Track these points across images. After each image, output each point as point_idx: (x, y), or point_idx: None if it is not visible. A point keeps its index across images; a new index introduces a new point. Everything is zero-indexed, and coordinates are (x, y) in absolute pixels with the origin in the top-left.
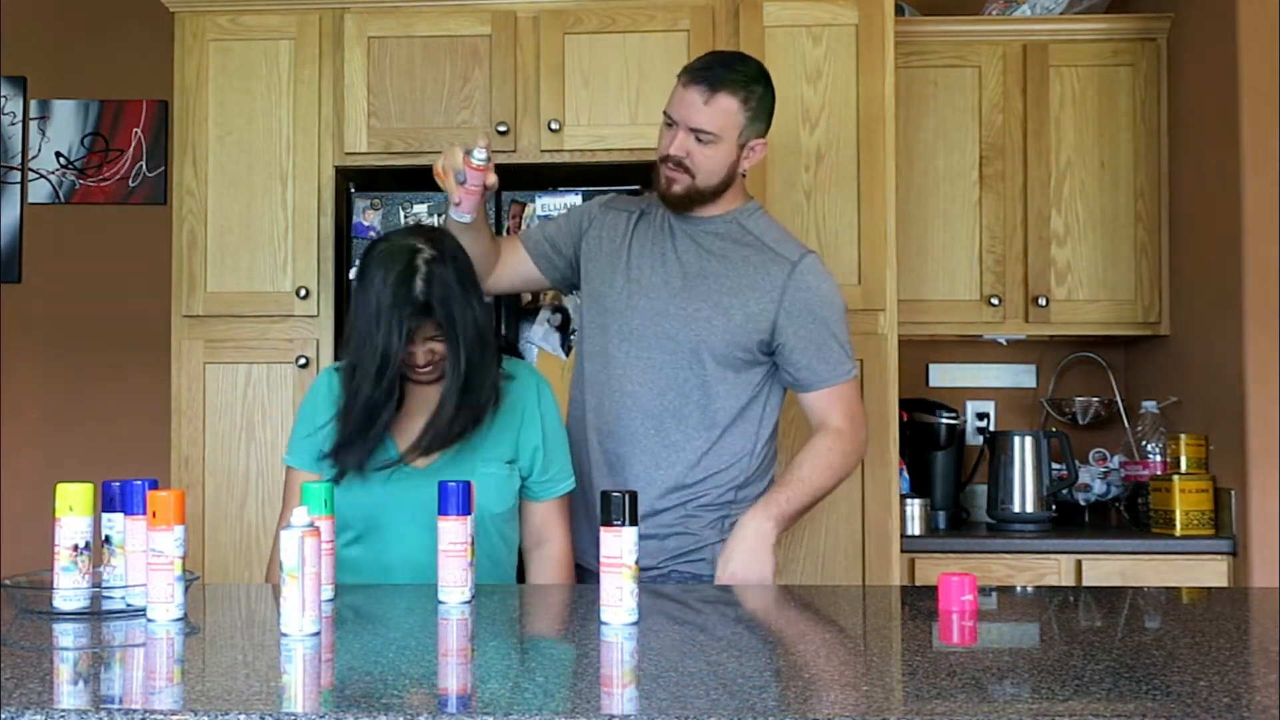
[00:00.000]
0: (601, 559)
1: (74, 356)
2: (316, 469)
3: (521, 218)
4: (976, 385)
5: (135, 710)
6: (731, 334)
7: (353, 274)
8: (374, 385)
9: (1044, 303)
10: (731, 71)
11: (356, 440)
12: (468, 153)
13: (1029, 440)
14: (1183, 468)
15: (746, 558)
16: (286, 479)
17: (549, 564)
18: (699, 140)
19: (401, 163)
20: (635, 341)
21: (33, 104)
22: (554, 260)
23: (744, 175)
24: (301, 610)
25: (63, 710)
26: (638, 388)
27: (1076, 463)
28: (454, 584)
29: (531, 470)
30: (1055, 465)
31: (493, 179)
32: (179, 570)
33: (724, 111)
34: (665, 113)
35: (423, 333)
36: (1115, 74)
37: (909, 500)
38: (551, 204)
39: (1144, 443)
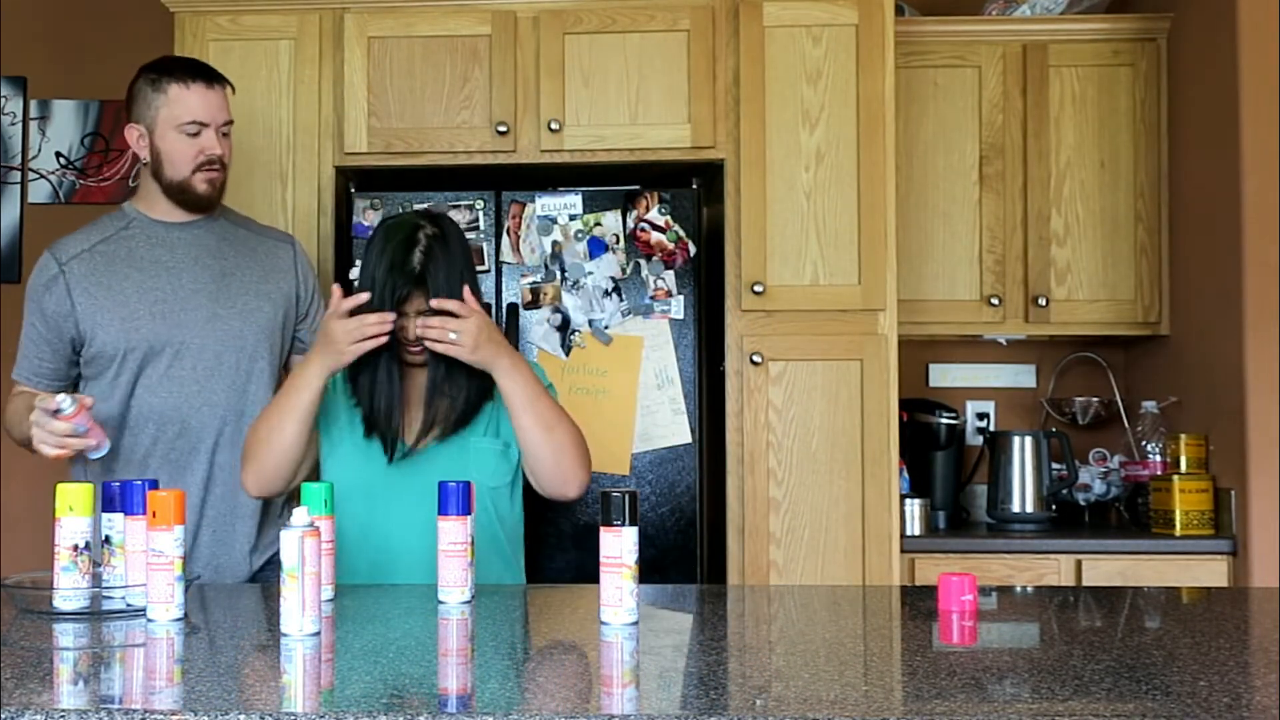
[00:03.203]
0: (602, 559)
1: None
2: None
3: (521, 218)
4: (976, 385)
5: (135, 710)
6: (280, 319)
7: (354, 273)
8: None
9: (1044, 303)
10: (207, 65)
11: (384, 426)
12: (56, 412)
13: (1029, 440)
14: (1183, 468)
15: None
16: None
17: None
18: (224, 135)
19: (401, 163)
20: (199, 354)
21: (33, 104)
22: (61, 369)
23: None
24: (301, 610)
25: (63, 710)
26: (216, 394)
27: (1076, 463)
28: (454, 584)
29: None
30: (1055, 465)
31: (82, 418)
32: (179, 570)
33: (230, 99)
34: (190, 122)
35: (414, 304)
36: (1115, 74)
37: (909, 500)
38: (551, 204)
39: (1144, 443)
